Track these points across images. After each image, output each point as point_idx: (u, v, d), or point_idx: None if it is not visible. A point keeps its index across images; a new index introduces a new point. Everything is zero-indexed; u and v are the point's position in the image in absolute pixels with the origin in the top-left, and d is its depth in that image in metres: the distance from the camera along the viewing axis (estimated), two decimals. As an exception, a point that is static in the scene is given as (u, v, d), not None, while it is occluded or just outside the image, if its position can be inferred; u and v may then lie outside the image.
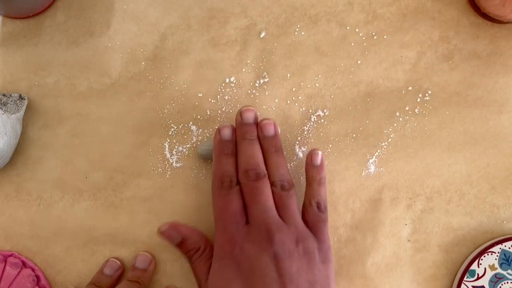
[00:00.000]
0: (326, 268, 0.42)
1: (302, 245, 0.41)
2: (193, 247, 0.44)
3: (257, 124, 0.45)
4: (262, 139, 0.45)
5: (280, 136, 0.46)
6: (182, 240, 0.44)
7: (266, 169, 0.44)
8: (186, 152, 0.48)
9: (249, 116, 0.45)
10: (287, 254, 0.40)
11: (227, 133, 0.45)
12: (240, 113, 0.45)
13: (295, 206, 0.43)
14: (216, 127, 0.46)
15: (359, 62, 0.48)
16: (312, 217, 0.43)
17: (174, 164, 0.48)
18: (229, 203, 0.42)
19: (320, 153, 0.45)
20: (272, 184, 0.43)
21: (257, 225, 0.41)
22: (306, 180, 0.45)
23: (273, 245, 0.40)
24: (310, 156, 0.45)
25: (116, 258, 0.48)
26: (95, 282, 0.46)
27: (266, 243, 0.40)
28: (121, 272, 0.48)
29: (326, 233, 0.43)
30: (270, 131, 0.45)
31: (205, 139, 0.48)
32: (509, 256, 0.47)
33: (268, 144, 0.45)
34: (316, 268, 0.41)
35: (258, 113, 0.46)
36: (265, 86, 0.48)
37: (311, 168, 0.45)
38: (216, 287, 0.41)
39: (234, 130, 0.45)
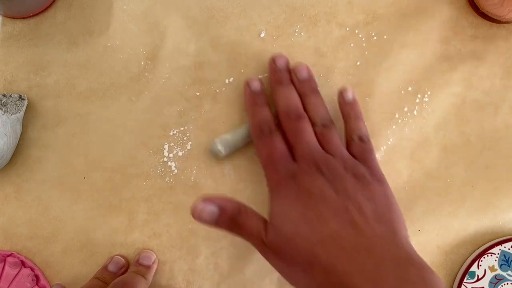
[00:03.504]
0: (382, 187, 0.42)
1: (351, 170, 0.41)
2: (233, 212, 0.41)
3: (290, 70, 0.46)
4: (297, 83, 0.46)
5: (314, 78, 0.46)
6: (220, 212, 0.41)
7: (305, 111, 0.45)
8: (186, 153, 0.48)
9: (282, 62, 0.46)
10: (339, 177, 0.41)
11: (256, 84, 0.46)
12: (274, 60, 0.46)
13: (337, 139, 0.44)
14: (246, 80, 0.46)
15: (358, 63, 0.48)
16: (357, 148, 0.44)
17: (173, 165, 0.48)
18: (274, 147, 0.43)
19: (350, 89, 0.46)
20: (313, 124, 0.44)
21: (305, 160, 0.42)
22: (343, 119, 0.46)
23: (323, 174, 0.41)
24: (341, 93, 0.46)
25: (121, 256, 0.48)
26: (99, 277, 0.46)
27: (316, 173, 0.41)
28: (125, 270, 0.48)
29: (375, 161, 0.43)
30: (304, 73, 0.46)
31: (216, 139, 0.47)
32: (508, 257, 0.47)
33: (304, 87, 0.45)
34: (371, 186, 0.41)
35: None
36: (265, 87, 0.48)
37: (345, 105, 0.46)
38: (281, 216, 0.40)
39: (262, 82, 0.46)
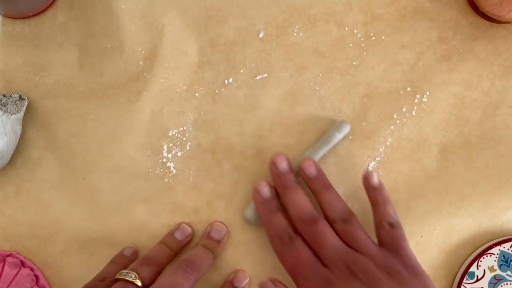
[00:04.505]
0: (420, 280, 0.40)
1: (385, 268, 0.40)
2: None
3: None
4: (307, 181, 0.45)
5: (323, 172, 0.46)
6: None
7: (321, 208, 0.44)
8: (185, 153, 0.48)
9: (284, 165, 0.45)
10: (374, 279, 0.39)
11: (266, 191, 0.45)
12: (274, 164, 0.45)
13: (362, 233, 0.43)
14: (255, 186, 0.46)
15: (357, 63, 0.48)
16: (387, 236, 0.43)
17: (172, 166, 0.48)
18: (299, 255, 0.42)
19: (374, 173, 0.45)
20: (333, 222, 0.43)
21: (335, 265, 0.40)
22: (371, 203, 0.45)
23: (358, 277, 0.39)
24: (366, 178, 0.45)
25: (188, 225, 0.48)
26: (166, 243, 0.46)
27: (351, 278, 0.39)
28: (190, 240, 0.48)
29: (407, 248, 0.42)
30: (312, 171, 0.45)
31: (251, 204, 0.47)
32: (508, 258, 0.47)
33: (315, 184, 0.45)
34: (409, 284, 0.40)
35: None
36: (264, 87, 0.48)
37: (371, 191, 0.45)
38: None
39: (271, 185, 0.46)
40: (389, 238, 0.43)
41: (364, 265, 0.40)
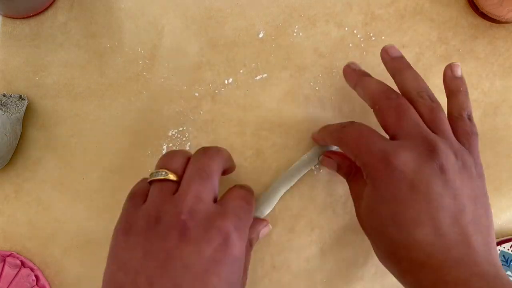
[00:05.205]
0: (483, 183, 0.38)
1: (461, 159, 0.37)
2: (347, 171, 0.44)
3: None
4: (389, 61, 0.43)
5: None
6: (337, 166, 0.45)
7: (403, 86, 0.41)
8: (185, 153, 0.48)
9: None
10: (451, 166, 0.36)
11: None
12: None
13: (446, 120, 0.40)
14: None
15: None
16: (465, 130, 0.40)
17: (172, 165, 0.48)
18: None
19: (459, 64, 0.43)
20: (419, 96, 0.40)
21: (412, 138, 0.37)
22: (449, 94, 0.42)
23: (437, 157, 0.36)
24: (450, 68, 0.42)
25: None
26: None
27: (428, 155, 0.36)
28: None
29: (478, 149, 0.40)
30: (395, 52, 0.43)
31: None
32: (508, 258, 0.46)
33: (399, 63, 0.42)
34: (475, 183, 0.38)
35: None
36: (263, 87, 0.48)
37: (454, 80, 0.42)
38: (371, 211, 0.38)
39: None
40: (467, 132, 0.40)
41: (443, 149, 0.37)
